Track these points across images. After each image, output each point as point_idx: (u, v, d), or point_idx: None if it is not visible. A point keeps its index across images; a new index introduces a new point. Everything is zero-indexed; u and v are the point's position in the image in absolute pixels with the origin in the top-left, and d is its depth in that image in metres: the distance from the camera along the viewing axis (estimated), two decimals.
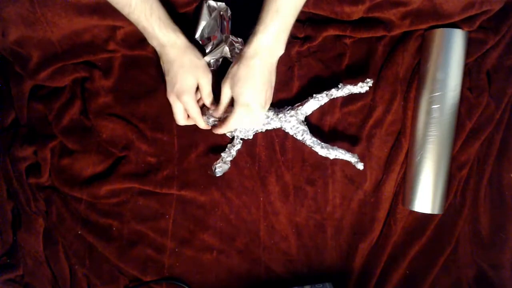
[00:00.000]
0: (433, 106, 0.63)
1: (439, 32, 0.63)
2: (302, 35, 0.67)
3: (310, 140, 0.62)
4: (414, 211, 0.66)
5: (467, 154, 0.66)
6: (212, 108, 0.63)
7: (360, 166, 0.62)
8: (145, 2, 0.55)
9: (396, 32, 0.65)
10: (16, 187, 0.68)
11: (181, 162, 0.68)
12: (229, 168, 0.65)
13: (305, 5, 0.64)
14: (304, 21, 0.67)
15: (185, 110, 0.61)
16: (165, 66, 0.60)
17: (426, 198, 0.63)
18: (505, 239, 0.66)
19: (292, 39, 0.67)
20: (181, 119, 0.62)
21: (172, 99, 0.60)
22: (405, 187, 0.66)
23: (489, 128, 0.66)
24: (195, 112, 0.60)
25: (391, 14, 0.63)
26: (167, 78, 0.59)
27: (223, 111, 0.61)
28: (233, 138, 0.65)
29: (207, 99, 0.62)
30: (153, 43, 0.59)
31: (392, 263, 0.68)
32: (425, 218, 0.67)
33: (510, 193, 0.66)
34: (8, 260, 0.69)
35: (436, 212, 0.64)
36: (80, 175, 0.69)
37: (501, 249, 0.66)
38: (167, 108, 0.62)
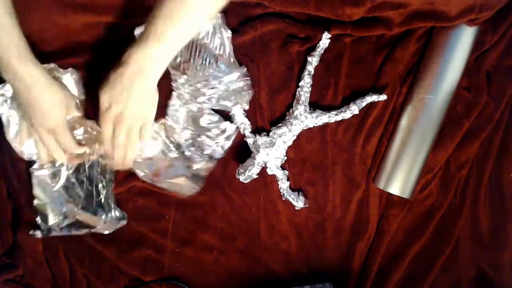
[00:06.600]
0: (426, 96, 0.62)
1: (451, 30, 0.62)
2: (302, 35, 0.67)
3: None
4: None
5: (467, 154, 0.66)
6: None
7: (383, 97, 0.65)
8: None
9: (396, 31, 0.65)
10: (16, 187, 0.68)
11: None
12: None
13: (306, 7, 0.65)
14: (304, 21, 0.67)
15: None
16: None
17: (397, 179, 0.63)
18: (505, 239, 0.66)
19: (292, 39, 0.67)
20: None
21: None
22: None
23: (489, 128, 0.66)
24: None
25: (391, 14, 0.64)
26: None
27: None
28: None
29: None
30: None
31: (392, 263, 0.68)
32: (425, 218, 0.67)
33: (510, 193, 0.66)
34: (8, 260, 0.68)
35: (405, 196, 0.64)
36: None
37: (501, 249, 0.66)
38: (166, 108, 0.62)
